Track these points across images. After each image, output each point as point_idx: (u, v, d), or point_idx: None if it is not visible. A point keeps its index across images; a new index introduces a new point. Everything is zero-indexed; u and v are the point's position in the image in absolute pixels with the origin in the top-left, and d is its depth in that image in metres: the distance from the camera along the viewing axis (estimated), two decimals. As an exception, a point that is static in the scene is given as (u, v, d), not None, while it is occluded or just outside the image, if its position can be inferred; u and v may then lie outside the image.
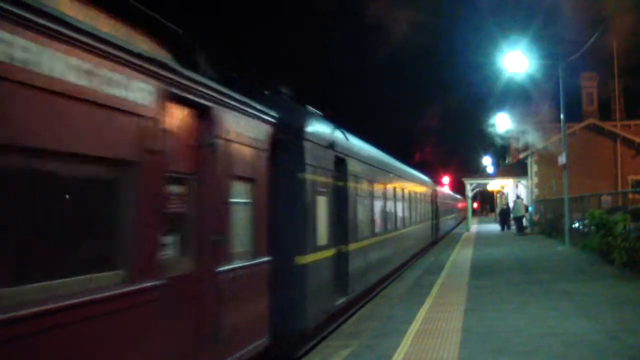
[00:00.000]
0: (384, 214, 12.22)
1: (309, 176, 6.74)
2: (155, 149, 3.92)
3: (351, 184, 8.81)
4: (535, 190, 33.35)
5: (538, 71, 23.96)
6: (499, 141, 43.08)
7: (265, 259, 5.92)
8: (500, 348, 6.15)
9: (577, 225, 20.15)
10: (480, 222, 49.18)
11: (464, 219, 52.43)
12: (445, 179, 61.36)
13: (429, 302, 9.30)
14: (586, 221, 17.65)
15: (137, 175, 3.73)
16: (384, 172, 12.30)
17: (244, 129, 5.53)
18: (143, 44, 4.18)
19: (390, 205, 13.05)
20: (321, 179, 7.26)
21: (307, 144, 6.68)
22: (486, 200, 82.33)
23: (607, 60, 36.88)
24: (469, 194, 37.51)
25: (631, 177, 32.98)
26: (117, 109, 3.53)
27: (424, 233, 20.85)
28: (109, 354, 3.41)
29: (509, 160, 43.47)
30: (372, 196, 10.74)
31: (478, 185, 39.45)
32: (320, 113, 8.14)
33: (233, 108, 5.27)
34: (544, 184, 31.91)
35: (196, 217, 4.62)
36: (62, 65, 3.06)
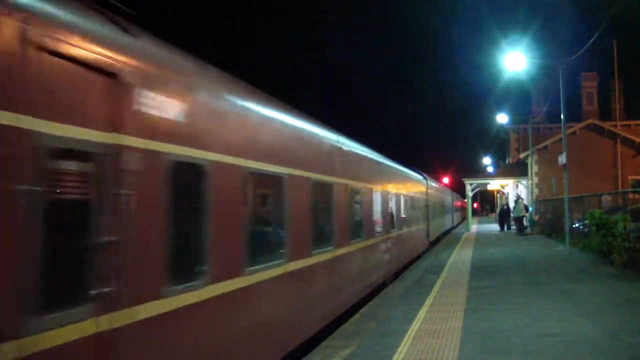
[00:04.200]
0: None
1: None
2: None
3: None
4: (536, 190, 33.36)
5: (539, 71, 23.96)
6: (500, 134, 43.16)
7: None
8: (500, 348, 6.16)
9: (577, 225, 20.15)
10: (480, 222, 49.16)
11: (464, 217, 52.40)
12: (445, 180, 61.35)
13: (429, 302, 9.31)
14: (586, 221, 17.65)
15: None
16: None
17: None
18: None
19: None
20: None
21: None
22: (486, 200, 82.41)
23: (607, 60, 36.90)
24: (469, 194, 37.50)
25: (631, 177, 32.98)
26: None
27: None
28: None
29: (509, 160, 43.45)
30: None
31: (478, 185, 39.45)
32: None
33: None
34: (544, 184, 31.92)
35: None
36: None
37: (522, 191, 36.04)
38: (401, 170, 16.15)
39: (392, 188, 13.52)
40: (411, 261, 16.65)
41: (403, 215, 15.06)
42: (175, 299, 3.91)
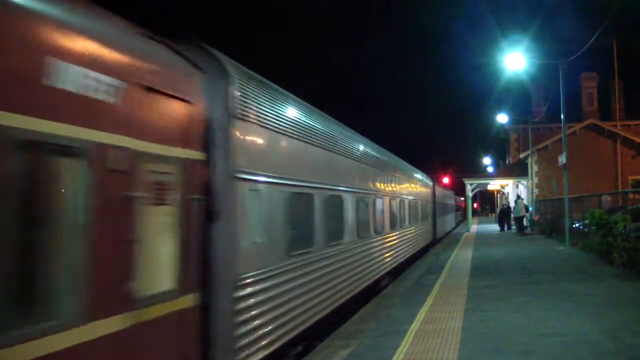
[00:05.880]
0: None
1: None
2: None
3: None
4: (536, 190, 33.36)
5: (539, 71, 23.99)
6: (499, 134, 42.95)
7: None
8: (500, 348, 6.16)
9: (577, 225, 20.16)
10: (480, 222, 49.15)
11: (464, 217, 52.32)
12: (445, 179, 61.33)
13: (429, 301, 9.31)
14: (586, 221, 17.66)
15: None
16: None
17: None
18: None
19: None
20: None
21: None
22: (486, 201, 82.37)
23: (607, 60, 36.95)
24: (469, 194, 37.51)
25: (631, 177, 33.00)
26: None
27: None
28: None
29: (509, 160, 43.45)
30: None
31: (478, 185, 39.47)
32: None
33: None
34: (544, 184, 31.92)
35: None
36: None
37: (522, 191, 36.04)
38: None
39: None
40: None
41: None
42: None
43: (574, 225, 20.06)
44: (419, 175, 20.54)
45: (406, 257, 15.43)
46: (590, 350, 5.94)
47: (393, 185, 13.70)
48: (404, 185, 15.59)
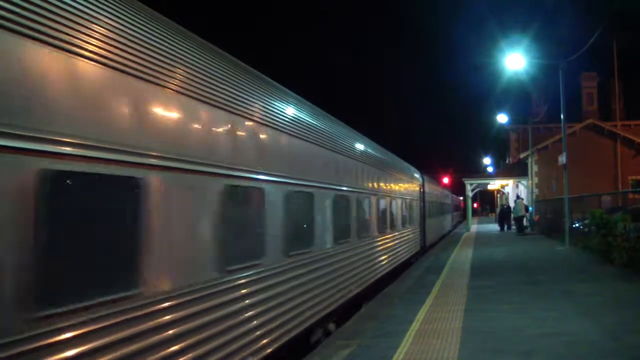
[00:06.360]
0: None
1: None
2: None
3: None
4: (536, 190, 33.36)
5: (539, 71, 23.99)
6: (500, 134, 42.96)
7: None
8: (500, 348, 6.16)
9: (577, 225, 20.16)
10: (480, 222, 49.13)
11: (463, 218, 52.24)
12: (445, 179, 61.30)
13: (429, 302, 9.31)
14: (586, 221, 17.66)
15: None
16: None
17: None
18: None
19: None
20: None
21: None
22: (486, 200, 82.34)
23: (607, 60, 36.94)
24: (469, 194, 37.49)
25: (631, 177, 32.99)
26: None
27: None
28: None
29: (509, 160, 43.44)
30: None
31: (478, 185, 39.45)
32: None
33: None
34: (544, 184, 31.92)
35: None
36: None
37: (522, 191, 36.04)
38: None
39: None
40: None
41: None
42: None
43: (574, 225, 20.06)
44: (399, 166, 15.67)
45: (375, 278, 11.08)
46: (590, 350, 5.94)
47: (350, 175, 9.42)
48: (370, 177, 11.12)
